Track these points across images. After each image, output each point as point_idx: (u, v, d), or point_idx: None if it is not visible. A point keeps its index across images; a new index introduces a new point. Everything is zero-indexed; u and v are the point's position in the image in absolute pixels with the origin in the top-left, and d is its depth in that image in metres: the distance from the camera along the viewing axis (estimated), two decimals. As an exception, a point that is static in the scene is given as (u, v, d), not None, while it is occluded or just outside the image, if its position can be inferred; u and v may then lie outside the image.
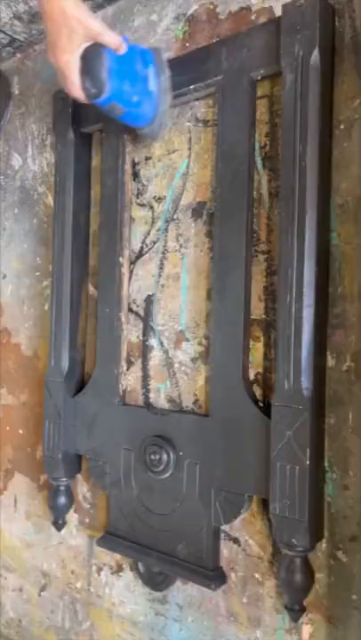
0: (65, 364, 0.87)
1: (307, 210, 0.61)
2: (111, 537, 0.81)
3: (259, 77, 0.68)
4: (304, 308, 0.61)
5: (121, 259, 0.83)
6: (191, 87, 0.74)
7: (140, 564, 0.81)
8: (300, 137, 0.61)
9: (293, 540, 0.60)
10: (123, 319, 0.83)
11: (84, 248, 0.90)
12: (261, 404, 0.69)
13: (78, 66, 0.62)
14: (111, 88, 0.64)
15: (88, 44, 0.62)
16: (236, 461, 0.67)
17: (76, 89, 0.64)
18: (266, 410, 0.65)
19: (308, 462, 0.59)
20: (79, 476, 0.91)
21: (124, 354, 0.83)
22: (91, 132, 0.90)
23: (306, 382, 0.60)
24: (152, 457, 0.74)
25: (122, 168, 0.83)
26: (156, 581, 0.79)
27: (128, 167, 0.84)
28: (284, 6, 0.63)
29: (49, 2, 0.60)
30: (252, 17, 0.72)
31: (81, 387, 0.88)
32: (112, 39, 0.63)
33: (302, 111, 0.61)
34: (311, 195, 0.61)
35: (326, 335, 0.64)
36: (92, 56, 0.62)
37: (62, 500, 0.89)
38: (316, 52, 0.61)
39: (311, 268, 0.61)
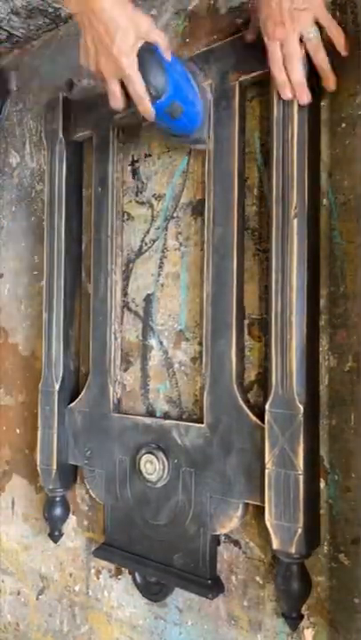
0: (59, 373, 0.86)
1: (296, 212, 0.60)
2: (108, 547, 0.80)
3: (247, 84, 0.68)
4: (295, 314, 0.60)
5: (113, 266, 0.82)
6: None
7: (137, 575, 0.80)
8: (290, 139, 0.61)
9: (289, 548, 0.59)
10: (116, 327, 0.82)
11: (77, 261, 0.90)
12: (263, 407, 0.68)
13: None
14: (171, 84, 0.60)
15: (141, 42, 0.57)
16: (231, 468, 0.66)
17: (140, 90, 0.57)
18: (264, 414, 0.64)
19: (302, 468, 0.59)
20: (77, 478, 0.90)
21: (117, 362, 0.82)
22: (82, 141, 0.89)
23: (299, 388, 0.60)
24: (147, 465, 0.73)
25: (112, 175, 0.82)
26: (153, 591, 0.78)
27: (119, 175, 0.83)
28: None
29: (87, 2, 0.53)
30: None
31: (76, 395, 0.87)
32: (161, 37, 0.58)
33: (290, 114, 0.61)
34: (299, 196, 0.60)
35: (319, 339, 0.63)
36: (147, 55, 0.57)
37: (58, 511, 0.88)
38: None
39: (302, 272, 0.60)
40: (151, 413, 0.80)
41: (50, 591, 0.97)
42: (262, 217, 0.70)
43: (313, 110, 0.62)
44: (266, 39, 0.59)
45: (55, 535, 0.89)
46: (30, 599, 1.00)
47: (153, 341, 0.81)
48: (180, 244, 0.78)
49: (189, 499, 0.70)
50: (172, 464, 0.72)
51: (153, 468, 0.73)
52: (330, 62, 0.60)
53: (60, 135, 0.87)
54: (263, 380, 0.69)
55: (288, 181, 0.61)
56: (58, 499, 0.88)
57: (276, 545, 0.61)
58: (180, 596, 0.77)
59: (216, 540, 0.71)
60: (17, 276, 1.05)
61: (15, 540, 1.03)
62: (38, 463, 0.88)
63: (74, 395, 0.88)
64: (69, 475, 0.87)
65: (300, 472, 0.59)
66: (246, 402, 0.67)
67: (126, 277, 0.84)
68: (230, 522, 0.67)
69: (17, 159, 1.06)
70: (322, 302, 0.64)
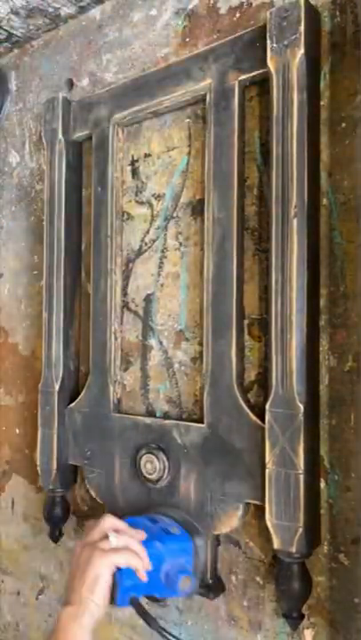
0: (59, 373, 0.86)
1: (296, 211, 0.60)
2: None
3: (247, 83, 0.68)
4: (295, 314, 0.60)
5: (113, 266, 0.82)
6: (182, 92, 0.74)
7: None
8: (289, 139, 0.61)
9: (289, 547, 0.59)
10: (116, 327, 0.82)
11: (77, 261, 0.90)
12: (263, 407, 0.68)
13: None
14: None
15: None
16: (231, 467, 0.66)
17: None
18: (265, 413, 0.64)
19: (302, 467, 0.59)
20: (77, 478, 0.90)
21: (117, 362, 0.82)
22: (81, 141, 0.89)
23: (299, 387, 0.60)
24: (147, 465, 0.73)
25: (112, 175, 0.82)
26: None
27: (119, 174, 0.83)
28: (270, 12, 0.63)
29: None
30: (253, 11, 0.71)
31: (76, 395, 0.87)
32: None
33: (289, 113, 0.61)
34: (299, 196, 0.60)
35: (319, 339, 0.63)
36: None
37: (58, 511, 0.87)
38: (301, 57, 0.61)
39: (302, 272, 0.60)
40: (151, 413, 0.80)
41: (50, 591, 0.96)
42: (262, 217, 0.70)
43: (313, 110, 0.63)
44: None
45: (55, 535, 0.89)
46: (30, 599, 1.00)
47: (153, 341, 0.81)
48: (180, 244, 0.78)
49: (189, 499, 0.70)
50: (172, 464, 0.72)
51: (153, 467, 0.73)
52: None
53: (60, 135, 0.87)
54: (263, 380, 0.69)
55: (288, 181, 0.61)
56: (58, 499, 0.88)
57: (276, 544, 0.61)
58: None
59: (216, 540, 0.71)
60: (17, 275, 1.05)
61: (15, 540, 1.03)
62: (38, 463, 0.87)
63: (74, 395, 0.87)
64: (69, 475, 0.87)
65: (300, 471, 0.59)
66: (246, 402, 0.67)
67: (126, 277, 0.84)
68: (231, 522, 0.67)
69: (16, 159, 1.06)
70: (322, 302, 0.64)
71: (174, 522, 0.66)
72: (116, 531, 0.59)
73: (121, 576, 0.56)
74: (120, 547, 0.56)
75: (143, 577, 0.58)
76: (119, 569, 0.56)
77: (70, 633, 0.51)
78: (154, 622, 0.58)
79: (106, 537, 0.57)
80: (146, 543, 0.60)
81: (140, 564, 0.57)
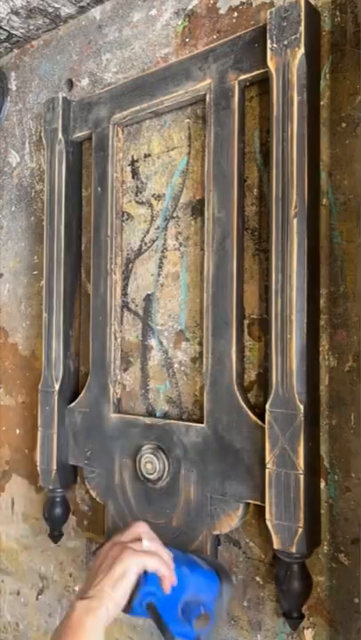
0: (59, 373, 0.86)
1: (296, 211, 0.60)
2: None
3: (247, 83, 0.69)
4: (295, 314, 0.60)
5: (113, 266, 0.82)
6: (182, 92, 0.74)
7: None
8: (289, 139, 0.61)
9: (289, 547, 0.59)
10: (116, 327, 0.82)
11: (77, 261, 0.90)
12: (263, 407, 0.68)
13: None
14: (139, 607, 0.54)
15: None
16: (231, 467, 0.66)
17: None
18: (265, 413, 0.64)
19: (302, 467, 0.59)
20: (77, 478, 0.90)
21: (117, 362, 0.82)
22: (81, 141, 0.89)
23: (299, 387, 0.60)
24: (147, 465, 0.73)
25: (112, 175, 0.82)
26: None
27: (119, 175, 0.83)
28: (270, 12, 0.63)
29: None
30: (253, 12, 0.71)
31: (76, 395, 0.87)
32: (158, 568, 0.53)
33: (289, 113, 0.61)
34: (299, 196, 0.60)
35: (319, 339, 0.63)
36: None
37: (58, 510, 0.87)
38: (301, 57, 0.61)
39: (302, 272, 0.60)
40: (151, 413, 0.80)
41: (50, 591, 0.96)
42: (262, 217, 0.70)
43: (313, 110, 0.63)
44: None
45: (55, 535, 0.89)
46: (30, 599, 1.00)
47: (153, 341, 0.81)
48: (180, 244, 0.78)
49: (189, 499, 0.70)
50: (172, 464, 0.72)
51: (153, 467, 0.73)
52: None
53: (60, 135, 0.87)
54: (263, 380, 0.69)
55: (288, 181, 0.61)
56: (58, 499, 0.88)
57: (276, 544, 0.61)
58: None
59: (217, 540, 0.71)
60: (17, 275, 1.05)
61: (15, 540, 1.03)
62: (38, 463, 0.88)
63: (74, 395, 0.88)
64: (69, 475, 0.87)
65: (300, 472, 0.59)
66: (246, 402, 0.67)
67: (126, 277, 0.84)
68: (231, 522, 0.67)
69: (16, 159, 1.06)
70: (322, 302, 0.64)
71: (206, 563, 0.61)
72: (149, 537, 0.56)
73: (145, 579, 0.53)
74: (152, 551, 0.54)
75: (167, 588, 0.54)
76: (145, 573, 0.53)
77: (83, 626, 0.47)
78: (168, 634, 0.54)
79: (138, 540, 0.55)
80: (174, 566, 0.56)
81: (168, 574, 0.54)
